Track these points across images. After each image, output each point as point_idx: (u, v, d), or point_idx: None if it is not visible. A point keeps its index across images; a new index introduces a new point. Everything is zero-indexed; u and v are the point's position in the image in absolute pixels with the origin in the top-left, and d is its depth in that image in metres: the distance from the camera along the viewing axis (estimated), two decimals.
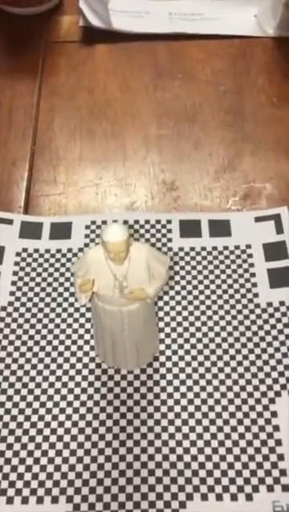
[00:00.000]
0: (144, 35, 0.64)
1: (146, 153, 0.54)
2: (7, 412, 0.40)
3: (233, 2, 0.67)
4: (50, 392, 0.40)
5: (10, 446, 0.38)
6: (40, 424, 0.39)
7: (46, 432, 0.39)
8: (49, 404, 0.40)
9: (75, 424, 0.39)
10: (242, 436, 0.38)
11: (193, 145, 0.55)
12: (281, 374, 0.41)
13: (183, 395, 0.40)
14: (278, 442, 0.38)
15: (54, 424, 0.39)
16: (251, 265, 0.46)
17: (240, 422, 0.39)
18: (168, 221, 0.49)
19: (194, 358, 0.42)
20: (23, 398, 0.40)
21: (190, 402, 0.40)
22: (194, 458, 0.38)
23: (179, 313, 0.44)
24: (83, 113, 0.58)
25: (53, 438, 0.39)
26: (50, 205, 0.51)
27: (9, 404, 0.40)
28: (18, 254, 0.47)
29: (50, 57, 0.63)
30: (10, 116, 0.57)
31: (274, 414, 0.39)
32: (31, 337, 0.43)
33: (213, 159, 0.54)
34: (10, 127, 0.56)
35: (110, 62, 0.62)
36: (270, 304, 0.44)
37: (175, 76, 0.61)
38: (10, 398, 0.40)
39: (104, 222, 0.49)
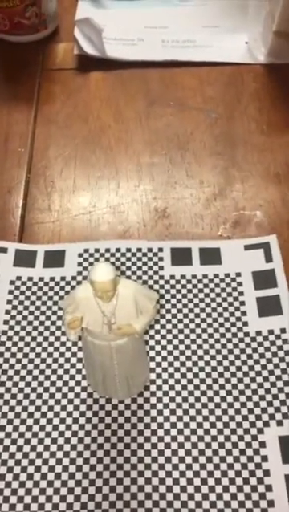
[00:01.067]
0: (138, 62, 0.66)
1: (139, 181, 0.56)
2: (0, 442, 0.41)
3: (224, 29, 0.69)
4: (43, 422, 0.42)
5: (2, 477, 0.39)
6: (32, 455, 0.40)
7: (38, 462, 0.40)
8: (41, 435, 0.41)
9: (66, 454, 0.40)
10: (230, 466, 0.40)
11: (184, 173, 0.57)
12: (269, 404, 0.42)
13: (173, 425, 0.41)
14: (267, 473, 0.39)
15: (45, 455, 0.40)
16: (241, 293, 0.47)
17: (229, 453, 0.40)
18: (160, 249, 0.50)
19: (184, 387, 0.43)
20: (15, 428, 0.41)
21: (180, 432, 0.41)
22: (183, 489, 0.39)
23: (170, 341, 0.45)
24: (78, 141, 0.59)
25: (44, 469, 0.40)
26: (44, 232, 0.52)
27: (1, 435, 0.41)
28: (12, 283, 0.48)
29: (46, 84, 0.64)
30: (5, 144, 0.59)
31: (262, 444, 0.40)
32: (24, 366, 0.44)
33: (204, 186, 0.55)
34: (5, 154, 0.58)
35: (104, 90, 0.64)
36: (259, 333, 0.45)
37: (167, 104, 0.63)
38: (2, 428, 0.41)
39: (97, 250, 0.50)
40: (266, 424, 0.41)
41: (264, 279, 0.48)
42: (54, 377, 0.44)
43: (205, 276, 0.48)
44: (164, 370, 0.44)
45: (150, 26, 0.69)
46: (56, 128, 0.60)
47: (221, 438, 0.41)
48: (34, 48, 0.67)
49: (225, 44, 0.68)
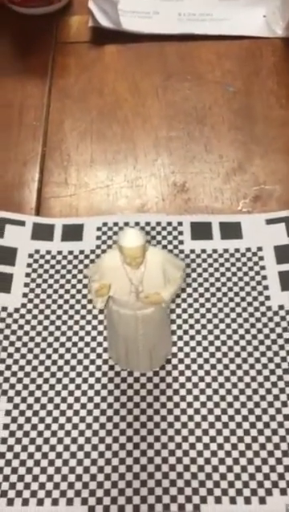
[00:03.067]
0: (154, 36, 0.65)
1: (156, 155, 0.56)
2: (22, 413, 0.41)
3: (241, 2, 0.69)
4: (64, 394, 0.42)
5: (24, 448, 0.40)
6: (54, 426, 0.40)
7: (60, 434, 0.40)
8: (63, 407, 0.41)
9: (88, 426, 0.40)
10: (254, 439, 0.40)
11: (203, 147, 0.56)
12: None
13: (196, 397, 0.41)
14: None
15: (68, 427, 0.40)
16: (263, 267, 0.47)
17: (253, 425, 0.40)
18: (180, 224, 0.50)
19: (207, 360, 0.43)
20: (37, 400, 0.41)
21: (203, 405, 0.41)
22: (208, 461, 0.39)
23: (191, 315, 0.45)
24: (94, 115, 0.59)
25: (67, 440, 0.40)
26: (61, 206, 0.52)
27: (23, 406, 0.41)
28: (30, 256, 0.48)
29: (60, 58, 0.64)
30: (20, 117, 0.58)
31: (286, 417, 0.40)
32: (44, 339, 0.44)
33: (223, 161, 0.55)
34: (20, 128, 0.58)
35: (119, 63, 0.64)
36: (281, 307, 0.45)
37: (184, 77, 0.62)
38: (24, 400, 0.41)
39: (116, 224, 0.50)
40: None
41: (286, 253, 0.48)
42: (74, 350, 0.44)
43: (225, 250, 0.48)
44: (186, 343, 0.44)
45: None
46: (71, 102, 0.60)
47: (244, 411, 0.41)
48: (47, 21, 0.67)
49: (243, 17, 0.67)
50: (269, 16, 0.67)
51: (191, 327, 0.45)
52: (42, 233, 0.49)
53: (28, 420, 0.41)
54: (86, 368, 0.43)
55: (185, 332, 0.44)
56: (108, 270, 0.36)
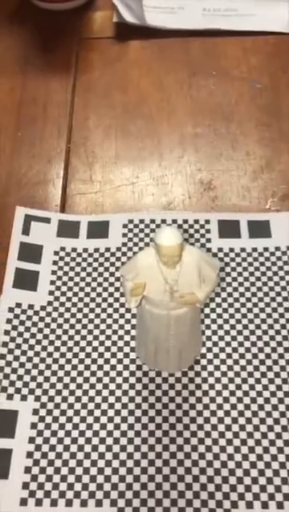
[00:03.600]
0: (178, 31, 0.65)
1: (182, 152, 0.55)
2: (49, 413, 0.40)
3: None
4: (92, 393, 0.41)
5: (52, 447, 0.39)
6: (82, 426, 0.40)
7: (88, 434, 0.40)
8: (90, 406, 0.41)
9: (117, 426, 0.40)
10: (287, 443, 0.39)
11: (229, 144, 0.56)
12: None
13: (225, 399, 0.41)
14: None
15: (96, 427, 0.40)
16: None
17: (284, 429, 0.39)
18: (207, 221, 0.49)
19: (236, 362, 0.42)
20: (64, 399, 0.41)
21: (233, 407, 0.40)
22: (238, 465, 0.38)
23: (220, 315, 0.45)
24: (118, 111, 0.58)
25: (95, 440, 0.39)
26: (86, 203, 0.52)
27: (50, 405, 0.41)
28: (56, 253, 0.48)
29: (84, 53, 0.63)
30: (44, 113, 0.58)
31: None
32: (71, 337, 0.44)
33: (250, 158, 0.54)
34: (45, 124, 0.57)
35: (144, 59, 0.63)
36: None
37: (210, 73, 0.62)
38: (51, 399, 0.41)
39: (142, 221, 0.50)
40: None
41: None
42: (101, 349, 0.43)
43: (254, 249, 0.48)
44: (215, 344, 0.43)
45: None
46: (95, 98, 0.60)
47: (276, 414, 0.40)
48: (71, 16, 0.66)
49: (268, 13, 0.67)
50: None
51: (220, 327, 0.44)
52: (67, 230, 0.49)
53: (55, 419, 0.40)
54: (113, 367, 0.42)
55: (214, 333, 0.44)
56: (143, 269, 0.35)
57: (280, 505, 0.37)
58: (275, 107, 0.58)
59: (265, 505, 0.37)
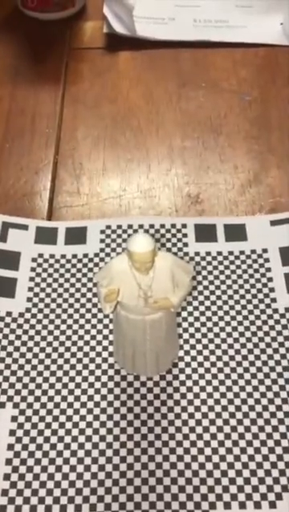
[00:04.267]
0: (168, 42, 0.65)
1: (170, 164, 0.55)
2: (28, 419, 0.41)
3: (258, 9, 0.68)
4: (70, 399, 0.41)
5: (31, 454, 0.39)
6: (61, 432, 0.40)
7: (67, 439, 0.40)
8: (69, 412, 0.41)
9: (95, 431, 0.40)
10: (263, 443, 0.39)
11: (218, 157, 0.56)
12: None
13: (203, 401, 0.41)
14: None
15: (74, 432, 0.40)
16: (268, 269, 0.47)
17: (261, 429, 0.40)
18: (184, 226, 0.50)
19: (213, 364, 0.43)
20: (43, 405, 0.41)
21: (211, 409, 0.41)
22: (216, 466, 0.39)
23: (197, 318, 0.45)
24: (107, 122, 0.58)
25: (74, 446, 0.39)
26: (73, 215, 0.52)
27: (29, 412, 0.41)
28: (34, 260, 0.48)
29: (74, 64, 0.63)
30: (33, 124, 0.58)
31: None
32: (49, 344, 0.44)
33: (238, 172, 0.54)
34: (33, 135, 0.57)
35: (133, 70, 0.63)
36: (288, 309, 0.45)
37: (199, 85, 0.62)
38: (30, 405, 0.41)
39: (119, 227, 0.50)
40: None
41: None
42: (80, 354, 0.43)
43: (230, 253, 0.48)
44: (193, 347, 0.44)
45: (181, 4, 0.68)
46: (84, 109, 0.60)
47: (253, 415, 0.40)
48: (61, 26, 0.66)
49: (260, 25, 0.67)
50: (286, 24, 0.66)
51: (197, 330, 0.44)
52: (45, 236, 0.49)
53: (34, 425, 0.40)
54: (92, 373, 0.42)
55: (191, 335, 0.44)
56: (117, 275, 0.36)
57: (257, 505, 0.37)
58: (264, 120, 0.58)
59: (242, 505, 0.37)
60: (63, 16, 0.66)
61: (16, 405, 0.41)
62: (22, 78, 0.62)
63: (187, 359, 0.43)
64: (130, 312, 0.37)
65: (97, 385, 0.42)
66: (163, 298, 0.36)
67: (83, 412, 0.41)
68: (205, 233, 0.49)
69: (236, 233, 0.49)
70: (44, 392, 0.42)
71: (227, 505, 0.37)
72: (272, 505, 0.37)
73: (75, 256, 0.48)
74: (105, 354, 0.43)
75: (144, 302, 0.36)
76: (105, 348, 0.44)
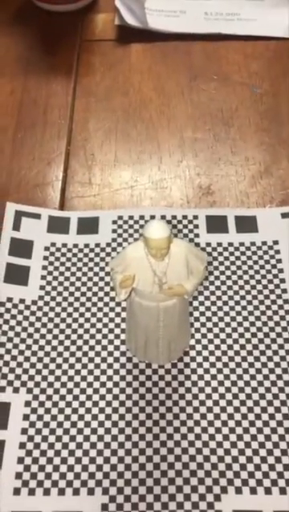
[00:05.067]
0: (180, 35, 0.65)
1: (182, 156, 0.56)
2: (41, 404, 0.41)
3: (269, 2, 0.68)
4: (83, 385, 0.42)
5: (45, 438, 0.40)
6: (74, 417, 0.41)
7: (80, 424, 0.41)
8: (82, 398, 0.42)
9: (108, 417, 0.41)
10: (273, 430, 0.40)
11: (229, 149, 0.56)
12: None
13: (214, 389, 0.42)
14: None
15: (87, 417, 0.41)
16: (279, 260, 0.48)
17: (272, 417, 0.41)
18: (195, 217, 0.50)
19: (224, 353, 0.43)
20: (56, 391, 0.42)
21: (222, 396, 0.42)
22: (227, 452, 0.39)
23: (208, 308, 0.46)
24: (118, 114, 0.59)
25: (87, 431, 0.40)
26: (85, 206, 0.52)
27: (42, 397, 0.42)
28: (46, 249, 0.48)
29: (85, 56, 0.64)
30: (45, 116, 0.58)
31: None
32: (62, 331, 0.45)
33: (249, 164, 0.55)
34: (45, 126, 0.58)
35: (145, 62, 0.64)
36: None
37: (210, 78, 0.62)
38: (43, 391, 0.42)
39: (131, 217, 0.50)
40: None
41: None
42: (92, 342, 0.44)
43: (241, 244, 0.49)
44: (204, 336, 0.44)
45: None
46: (96, 101, 0.60)
47: (263, 403, 0.41)
48: (72, 18, 0.67)
49: (270, 18, 0.67)
50: None
51: (208, 319, 0.45)
52: (57, 226, 0.50)
53: (48, 410, 0.41)
54: (104, 360, 0.43)
55: (203, 325, 0.45)
56: (132, 262, 0.36)
57: (268, 491, 0.38)
58: (275, 113, 0.59)
59: (253, 490, 0.38)
60: (74, 8, 0.67)
61: (30, 390, 0.42)
62: (34, 69, 0.62)
63: (198, 347, 0.44)
64: (144, 299, 0.38)
65: (109, 372, 0.43)
66: (177, 284, 0.37)
67: (95, 398, 0.41)
68: (217, 224, 0.50)
69: (247, 224, 0.50)
70: (57, 378, 0.42)
71: (238, 490, 0.38)
72: (282, 491, 0.38)
73: (87, 245, 0.49)
74: (117, 342, 0.44)
75: (158, 289, 0.37)
76: (117, 336, 0.44)
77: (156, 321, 0.39)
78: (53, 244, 0.49)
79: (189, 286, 0.37)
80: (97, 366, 0.43)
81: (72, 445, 0.40)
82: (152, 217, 0.50)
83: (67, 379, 0.42)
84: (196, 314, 0.45)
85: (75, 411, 0.41)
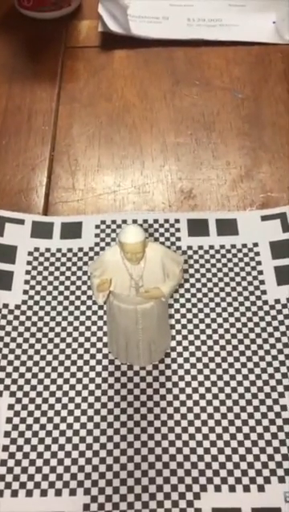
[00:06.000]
0: (163, 41, 0.66)
1: (164, 161, 0.56)
2: (24, 407, 0.42)
3: (251, 8, 0.69)
4: (66, 388, 0.43)
5: (27, 440, 0.41)
6: (56, 419, 0.41)
7: (62, 427, 0.41)
8: (64, 400, 0.42)
9: (90, 419, 0.41)
10: (252, 429, 0.41)
11: (210, 153, 0.57)
12: None
13: (195, 390, 0.43)
14: None
15: (69, 419, 0.41)
16: (259, 263, 0.49)
17: (250, 416, 0.41)
18: (177, 221, 0.51)
19: (205, 354, 0.44)
20: (39, 394, 0.43)
21: (202, 397, 0.42)
22: (207, 451, 0.40)
23: (189, 310, 0.46)
24: (102, 119, 0.60)
25: (69, 433, 0.41)
26: (68, 211, 0.53)
27: (25, 400, 0.42)
28: (30, 254, 0.49)
29: (69, 62, 0.65)
30: (29, 122, 0.59)
31: (283, 408, 0.42)
32: (45, 335, 0.45)
33: (230, 168, 0.56)
34: (29, 132, 0.58)
35: (128, 68, 0.64)
36: (277, 301, 0.46)
37: (193, 83, 0.63)
38: (26, 394, 0.43)
39: (114, 222, 0.51)
40: (287, 388, 0.42)
41: (282, 249, 0.49)
42: (75, 345, 0.45)
43: (222, 246, 0.50)
44: (185, 337, 0.45)
45: (175, 3, 0.69)
46: (80, 106, 0.61)
47: (242, 402, 0.42)
48: (57, 25, 0.68)
49: (252, 23, 0.68)
50: (279, 22, 0.68)
51: (189, 321, 0.46)
52: (41, 231, 0.51)
53: (30, 413, 0.42)
54: (86, 363, 0.44)
55: (184, 326, 0.46)
56: (109, 266, 0.37)
57: (247, 489, 0.39)
58: (256, 117, 0.60)
59: (232, 488, 0.39)
60: (59, 15, 0.68)
61: (13, 394, 0.42)
62: (19, 76, 0.63)
63: (179, 349, 0.45)
64: (122, 302, 0.39)
65: (92, 375, 0.43)
66: (154, 287, 0.38)
67: (78, 400, 0.42)
68: (198, 227, 0.51)
69: (228, 227, 0.51)
70: (40, 381, 0.43)
71: (218, 488, 0.39)
72: (261, 488, 0.39)
73: (70, 250, 0.50)
74: (99, 344, 0.45)
75: (135, 292, 0.38)
76: (99, 339, 0.45)
77: (135, 323, 0.40)
78: (36, 249, 0.50)
79: (165, 289, 0.38)
80: (80, 368, 0.44)
81: (54, 447, 0.40)
82: (135, 221, 0.51)
83: (50, 382, 0.43)
84: (177, 316, 0.46)
85: (57, 413, 0.42)
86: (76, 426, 0.41)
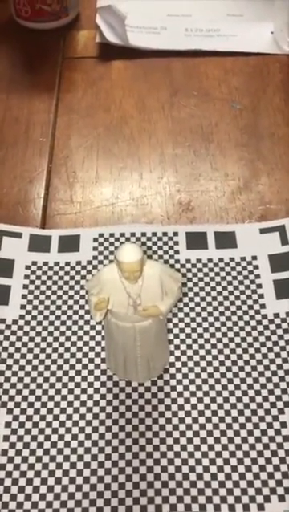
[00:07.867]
0: (160, 52, 0.66)
1: (162, 172, 0.56)
2: (21, 425, 0.41)
3: (249, 18, 0.69)
4: (63, 405, 0.42)
5: (25, 459, 0.40)
6: (54, 437, 0.41)
7: (60, 445, 0.41)
8: (62, 417, 0.42)
9: (88, 436, 0.41)
10: (252, 446, 0.40)
11: (209, 165, 0.57)
12: None
13: (194, 406, 0.42)
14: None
15: (67, 437, 0.41)
16: (257, 276, 0.48)
17: (250, 433, 0.41)
18: (175, 234, 0.51)
19: (204, 369, 0.44)
20: (36, 411, 0.42)
21: (201, 413, 0.42)
22: (206, 469, 0.39)
23: (188, 324, 0.46)
24: (100, 131, 0.59)
25: (66, 451, 0.40)
26: (66, 223, 0.52)
27: (22, 418, 0.42)
28: (27, 268, 0.49)
29: (67, 73, 0.64)
30: (26, 133, 0.59)
31: (283, 424, 0.41)
32: (43, 350, 0.45)
33: (229, 179, 0.55)
34: (26, 144, 0.58)
35: (126, 79, 0.64)
36: (276, 315, 0.46)
37: (191, 94, 0.63)
38: (23, 411, 0.42)
39: (112, 235, 0.51)
40: (286, 404, 0.42)
41: (281, 262, 0.49)
42: (73, 360, 0.44)
43: (220, 260, 0.49)
44: (184, 352, 0.45)
45: (173, 14, 0.69)
46: (78, 118, 0.61)
47: (242, 419, 0.41)
48: (54, 36, 0.67)
49: (250, 34, 0.68)
50: (277, 33, 0.68)
51: (188, 336, 0.45)
52: (39, 244, 0.50)
53: (28, 431, 0.41)
54: (84, 379, 0.43)
55: (182, 341, 0.45)
56: (107, 284, 0.37)
57: (246, 508, 0.38)
58: (255, 128, 0.59)
59: (232, 507, 0.38)
60: (56, 26, 0.67)
61: (10, 411, 0.42)
62: (17, 87, 0.63)
63: (178, 364, 0.44)
64: (120, 320, 0.38)
65: (90, 391, 0.43)
66: (152, 305, 0.37)
67: (75, 417, 0.42)
68: (196, 240, 0.50)
69: (226, 240, 0.50)
70: (38, 398, 0.42)
71: (217, 508, 0.38)
72: (260, 507, 0.38)
73: (68, 263, 0.49)
74: (98, 360, 0.44)
75: (133, 310, 0.37)
76: (98, 354, 0.45)
77: (133, 341, 0.39)
78: (34, 263, 0.49)
79: (163, 307, 0.37)
80: (78, 385, 0.43)
81: (52, 466, 0.40)
82: (133, 234, 0.51)
83: (48, 398, 0.43)
84: (175, 331, 0.46)
85: (55, 431, 0.41)
86: (74, 444, 0.41)
